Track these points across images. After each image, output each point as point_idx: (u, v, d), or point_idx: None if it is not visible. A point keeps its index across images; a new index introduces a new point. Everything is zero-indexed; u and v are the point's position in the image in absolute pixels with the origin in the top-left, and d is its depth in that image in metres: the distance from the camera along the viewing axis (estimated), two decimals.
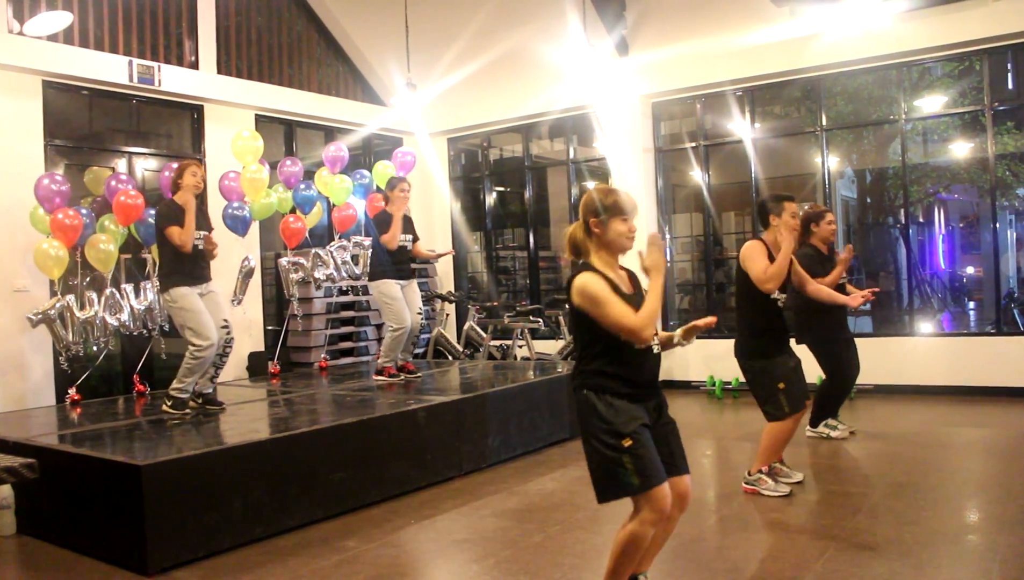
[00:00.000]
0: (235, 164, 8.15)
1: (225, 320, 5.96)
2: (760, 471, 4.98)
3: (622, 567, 3.10)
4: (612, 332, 3.00)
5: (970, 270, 14.91)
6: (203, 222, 5.99)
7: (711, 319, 3.18)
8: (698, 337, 3.32)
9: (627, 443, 2.98)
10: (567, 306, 3.19)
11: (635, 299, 3.12)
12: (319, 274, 8.65)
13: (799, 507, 4.72)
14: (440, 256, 8.60)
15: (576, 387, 3.14)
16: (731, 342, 5.08)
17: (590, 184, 10.94)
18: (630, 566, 3.12)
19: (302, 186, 8.61)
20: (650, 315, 2.99)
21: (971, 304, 13.80)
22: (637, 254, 3.10)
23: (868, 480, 5.29)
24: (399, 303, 6.97)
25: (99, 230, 7.22)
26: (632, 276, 3.25)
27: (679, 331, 3.20)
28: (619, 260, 3.20)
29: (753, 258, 4.78)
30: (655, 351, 3.13)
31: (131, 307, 7.14)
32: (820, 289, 5.36)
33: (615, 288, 3.05)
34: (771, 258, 4.80)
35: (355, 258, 8.94)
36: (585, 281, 3.04)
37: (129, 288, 7.21)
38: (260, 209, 8.16)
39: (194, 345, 5.72)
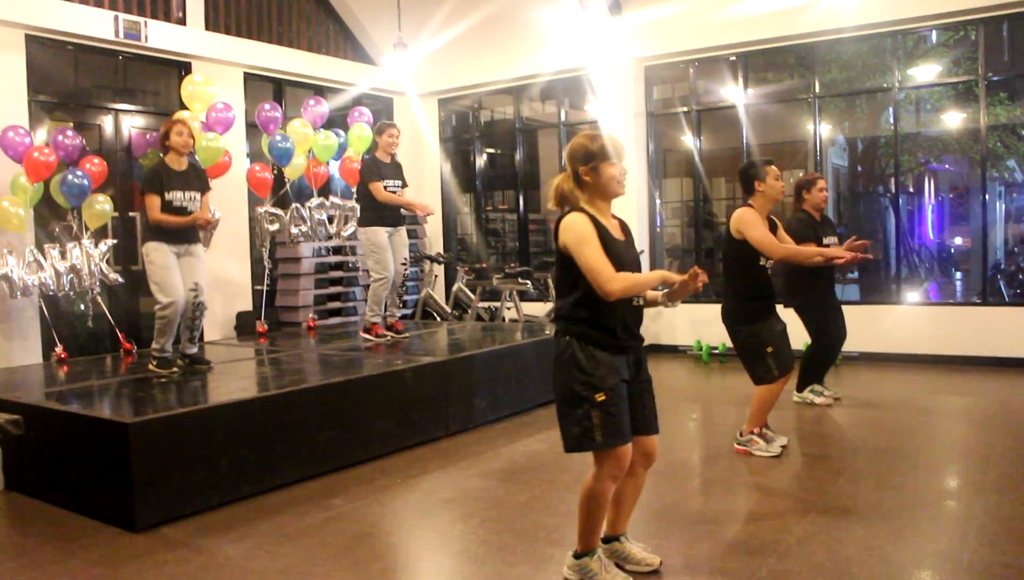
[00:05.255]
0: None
1: (196, 284, 5.88)
2: (752, 432, 5.04)
3: (590, 524, 3.15)
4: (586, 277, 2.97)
5: (958, 241, 14.95)
6: (195, 183, 5.90)
7: (693, 270, 3.00)
8: (685, 301, 3.30)
9: (600, 398, 2.98)
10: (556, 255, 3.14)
11: (624, 246, 3.10)
12: (295, 230, 8.60)
13: (782, 471, 4.77)
14: (419, 211, 8.12)
15: (558, 332, 3.12)
16: (718, 306, 5.11)
17: None
18: (598, 521, 3.15)
19: (278, 138, 8.50)
20: (629, 284, 2.95)
21: (958, 274, 13.86)
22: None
23: (851, 446, 5.35)
24: (384, 253, 6.93)
25: (12, 189, 6.99)
26: (624, 226, 3.22)
27: (664, 292, 3.15)
28: (611, 206, 3.18)
29: (753, 225, 4.79)
30: (636, 304, 3.11)
31: (53, 269, 6.93)
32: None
33: (605, 234, 3.03)
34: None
35: (330, 219, 8.90)
36: (574, 219, 3.02)
37: (55, 249, 7.02)
38: (204, 155, 7.75)
39: (157, 302, 5.74)
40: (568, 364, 3.05)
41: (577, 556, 3.20)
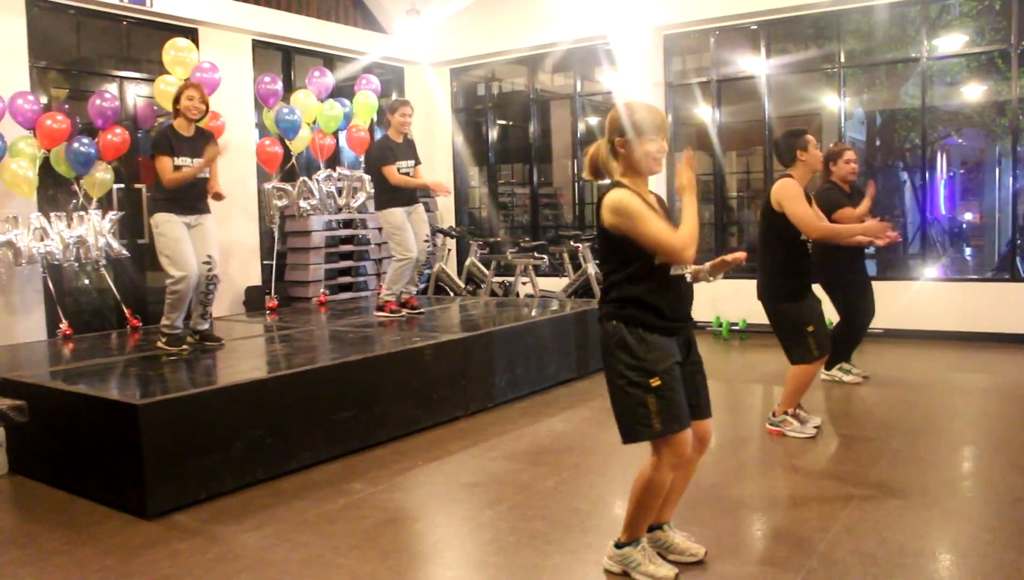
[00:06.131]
0: (226, 88, 7.83)
1: (209, 256, 5.65)
2: (786, 412, 4.84)
3: (642, 514, 2.96)
4: (649, 252, 2.81)
5: (968, 216, 14.71)
6: (203, 148, 5.65)
7: (740, 255, 2.94)
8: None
9: (655, 383, 2.81)
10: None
11: (667, 222, 2.93)
12: (304, 204, 8.41)
13: (819, 452, 4.58)
14: (441, 192, 8.06)
15: (604, 317, 2.94)
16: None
17: (593, 120, 10.64)
18: (651, 512, 2.97)
19: (285, 111, 8.27)
20: (691, 234, 2.81)
21: (980, 249, 13.60)
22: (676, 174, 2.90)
23: (885, 426, 5.14)
24: (405, 233, 6.73)
25: (12, 153, 6.76)
26: (661, 202, 3.04)
27: (707, 265, 3.02)
28: (647, 182, 3.00)
29: (794, 199, 4.55)
30: (687, 279, 2.95)
31: (60, 237, 6.77)
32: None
33: (648, 207, 2.86)
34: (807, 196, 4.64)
35: (339, 191, 8.70)
36: (619, 196, 2.84)
37: (62, 216, 6.86)
38: None
39: (169, 276, 5.49)
40: (618, 349, 2.87)
41: (619, 546, 3.01)
